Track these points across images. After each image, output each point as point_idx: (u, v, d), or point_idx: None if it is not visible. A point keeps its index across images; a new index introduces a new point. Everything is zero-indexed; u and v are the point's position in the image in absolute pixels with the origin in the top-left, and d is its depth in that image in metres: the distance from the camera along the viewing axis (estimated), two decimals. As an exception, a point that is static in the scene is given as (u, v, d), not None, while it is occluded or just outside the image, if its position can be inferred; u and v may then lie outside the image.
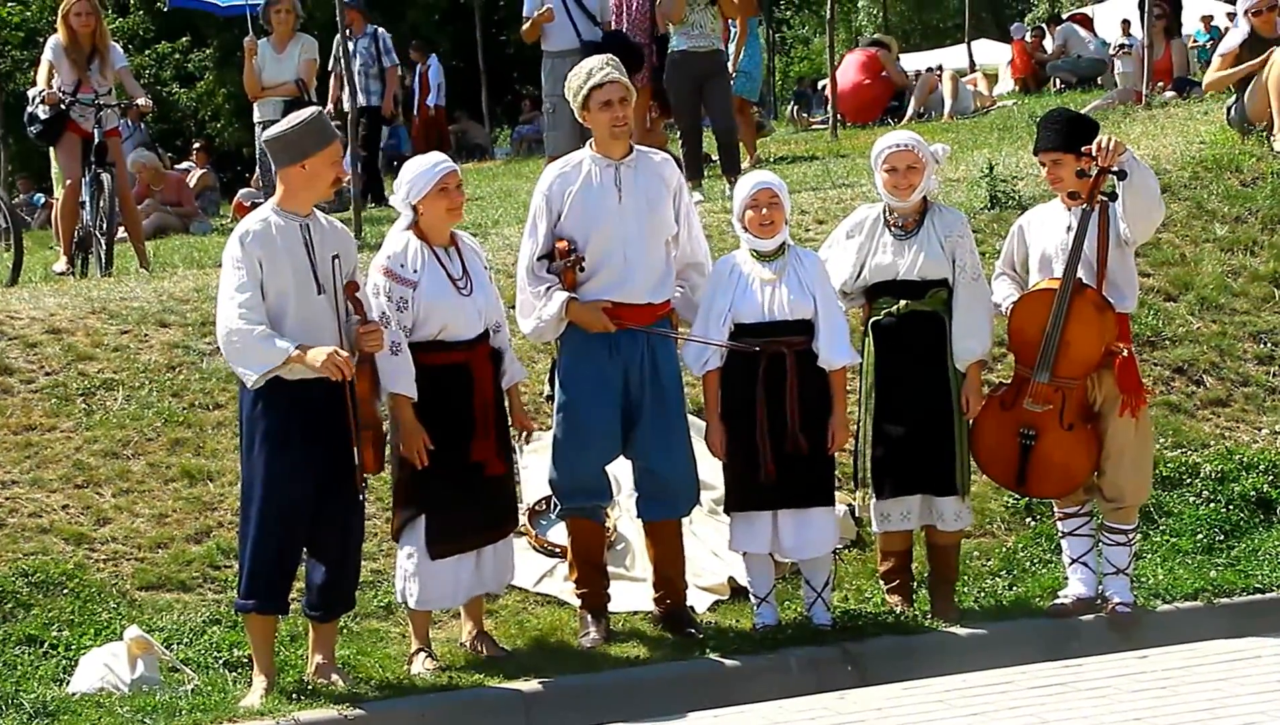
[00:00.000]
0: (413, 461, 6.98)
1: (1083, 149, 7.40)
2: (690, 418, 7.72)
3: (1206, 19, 26.88)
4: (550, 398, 7.57)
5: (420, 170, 7.16)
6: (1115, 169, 7.32)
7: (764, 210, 7.42)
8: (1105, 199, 7.42)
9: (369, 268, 7.24)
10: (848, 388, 7.59)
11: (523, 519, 8.11)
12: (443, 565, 7.09)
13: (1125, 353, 7.42)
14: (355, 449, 6.79)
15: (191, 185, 19.72)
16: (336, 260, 6.83)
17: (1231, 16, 21.02)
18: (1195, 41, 25.46)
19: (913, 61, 29.27)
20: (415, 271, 7.05)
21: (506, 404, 7.37)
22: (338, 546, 6.90)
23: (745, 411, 7.37)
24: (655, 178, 7.44)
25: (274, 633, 6.98)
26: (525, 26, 13.29)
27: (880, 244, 7.59)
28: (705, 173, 13.69)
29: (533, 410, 8.60)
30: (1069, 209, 7.53)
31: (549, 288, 7.30)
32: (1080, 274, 7.41)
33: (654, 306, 7.38)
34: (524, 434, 7.52)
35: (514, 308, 7.56)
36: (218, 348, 9.14)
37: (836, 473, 7.70)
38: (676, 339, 7.53)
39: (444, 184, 7.13)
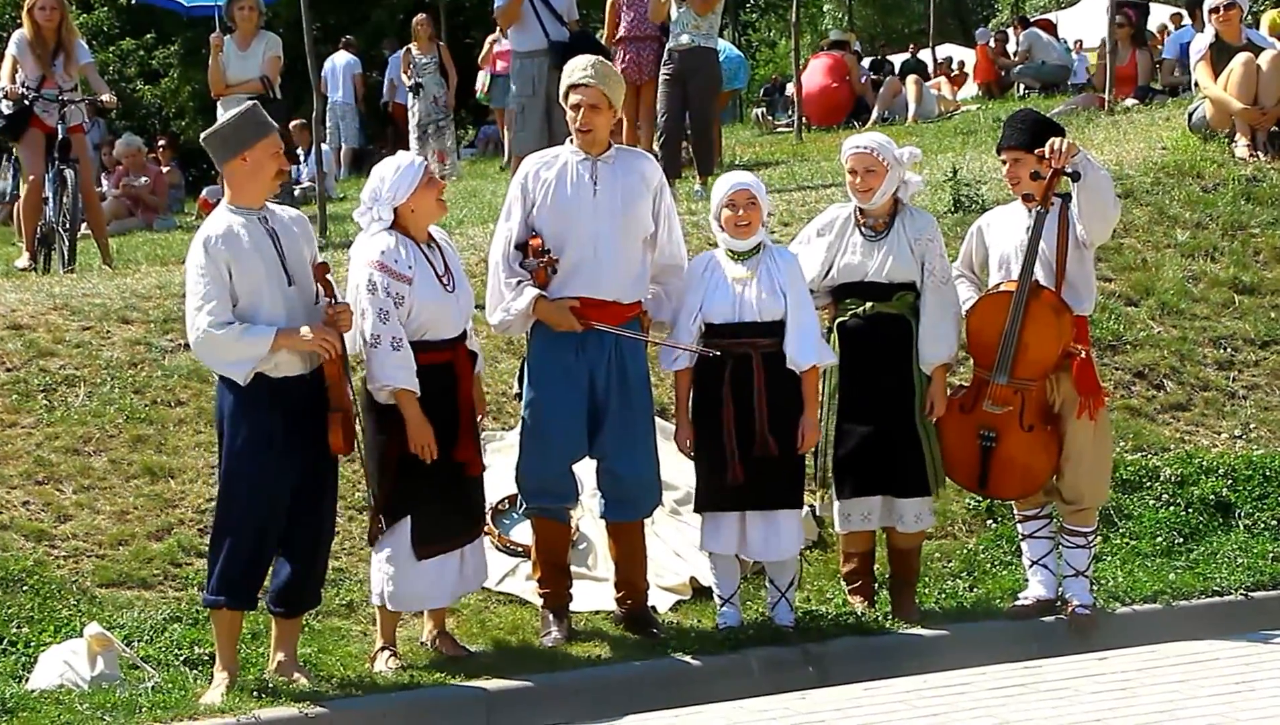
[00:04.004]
0: (423, 457, 6.90)
1: (1036, 150, 7.44)
2: (657, 420, 7.73)
3: None
4: (519, 396, 7.57)
5: (400, 170, 7.08)
6: (1069, 170, 7.36)
7: (740, 211, 7.42)
8: (1061, 201, 7.46)
9: (350, 265, 7.19)
10: (816, 390, 7.60)
11: (485, 518, 8.12)
12: (427, 565, 7.07)
13: (1083, 354, 7.46)
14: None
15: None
16: (304, 248, 6.87)
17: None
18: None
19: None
20: (410, 267, 7.00)
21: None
22: (310, 544, 6.90)
23: (714, 412, 7.37)
24: (635, 176, 7.43)
25: (240, 629, 6.97)
26: (499, 12, 13.28)
27: (850, 244, 7.61)
28: (682, 173, 13.66)
29: (495, 409, 8.62)
30: (1029, 211, 7.57)
31: (520, 282, 7.30)
32: (1039, 276, 7.44)
33: (623, 306, 7.37)
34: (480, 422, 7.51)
35: (481, 306, 7.55)
36: (180, 345, 9.18)
37: (804, 474, 7.71)
38: (645, 341, 7.53)
39: (429, 175, 7.11)
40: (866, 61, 24.51)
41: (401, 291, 6.95)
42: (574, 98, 7.35)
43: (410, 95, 18.73)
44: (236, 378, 6.67)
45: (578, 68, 7.40)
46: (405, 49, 19.46)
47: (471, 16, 31.68)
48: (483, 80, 21.04)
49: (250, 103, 6.96)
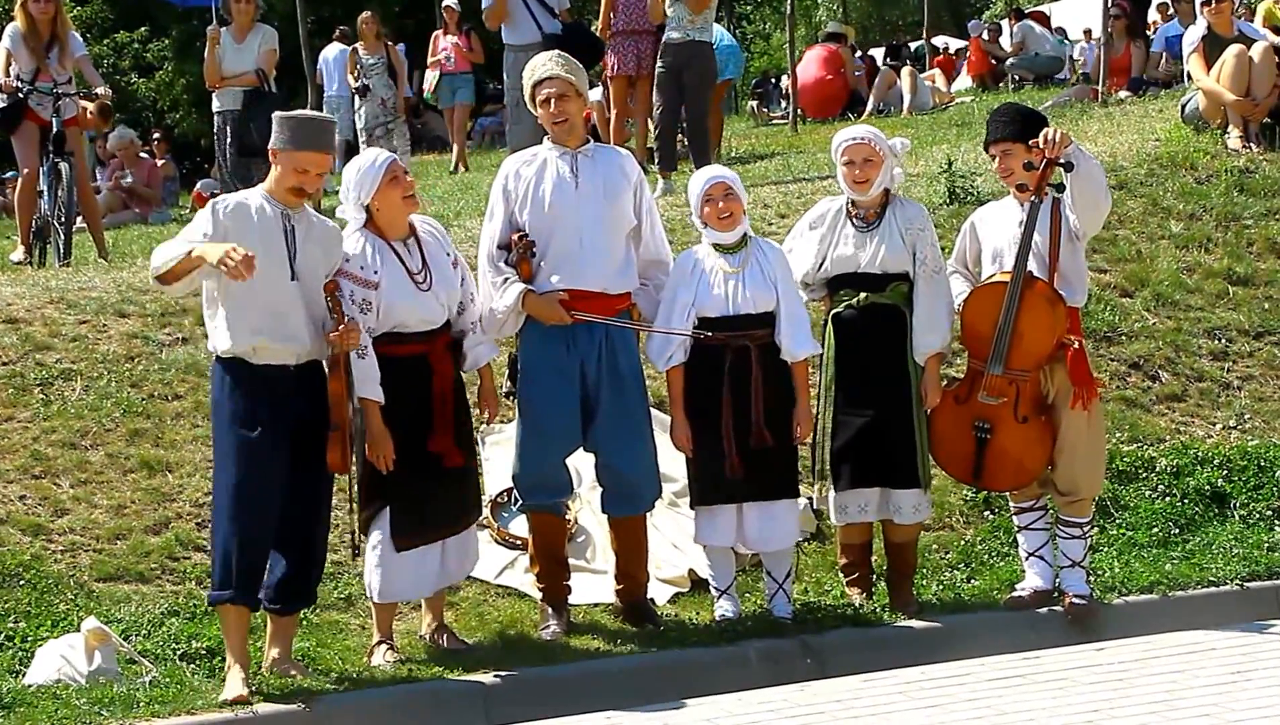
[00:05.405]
0: (378, 466, 6.97)
1: (1030, 141, 7.45)
2: (654, 412, 7.73)
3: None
4: (510, 393, 7.57)
5: (363, 169, 7.13)
6: (1062, 160, 7.37)
7: (720, 203, 7.44)
8: (1054, 192, 7.46)
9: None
10: (807, 379, 7.62)
11: (485, 511, 8.12)
12: (406, 557, 7.08)
13: (1076, 345, 7.47)
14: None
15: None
16: (320, 255, 6.89)
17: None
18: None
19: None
20: (376, 272, 7.02)
21: (477, 386, 7.40)
22: (304, 541, 6.90)
23: (710, 406, 7.37)
24: (615, 169, 7.46)
25: (248, 622, 6.91)
26: (487, 13, 13.29)
27: (842, 236, 7.63)
28: (678, 166, 13.65)
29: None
30: (1021, 204, 7.58)
31: (506, 280, 7.30)
32: (1032, 267, 7.45)
33: (611, 297, 7.37)
34: (485, 418, 7.53)
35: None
36: (178, 338, 9.19)
37: (798, 465, 7.73)
38: (636, 330, 7.53)
39: (393, 173, 7.13)
40: (881, 50, 24.52)
41: (368, 297, 6.99)
42: (542, 93, 7.38)
43: (356, 97, 18.27)
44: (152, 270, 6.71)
45: (539, 65, 7.44)
46: (351, 49, 19.11)
47: (466, 11, 31.60)
48: (430, 80, 20.76)
49: (323, 115, 7.03)
